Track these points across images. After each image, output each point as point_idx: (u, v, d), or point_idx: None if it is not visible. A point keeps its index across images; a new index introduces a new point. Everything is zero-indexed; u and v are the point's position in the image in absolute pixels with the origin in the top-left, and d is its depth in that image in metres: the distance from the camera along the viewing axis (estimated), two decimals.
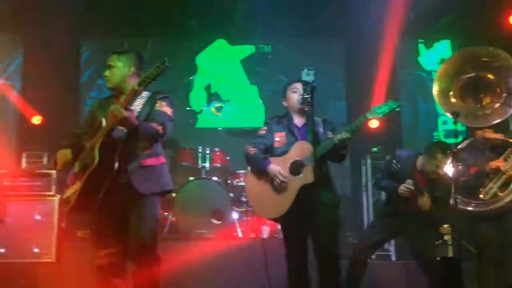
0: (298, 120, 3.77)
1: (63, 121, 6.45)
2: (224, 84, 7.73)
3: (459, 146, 4.34)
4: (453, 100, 4.59)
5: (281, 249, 3.69)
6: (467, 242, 4.51)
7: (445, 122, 7.47)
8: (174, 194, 5.46)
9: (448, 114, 4.41)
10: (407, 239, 4.40)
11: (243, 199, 5.67)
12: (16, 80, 7.27)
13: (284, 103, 3.84)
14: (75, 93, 7.30)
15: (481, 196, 4.20)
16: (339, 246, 3.62)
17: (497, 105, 4.44)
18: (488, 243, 4.20)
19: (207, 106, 7.45)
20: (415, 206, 4.14)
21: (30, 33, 7.08)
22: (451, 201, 3.88)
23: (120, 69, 3.34)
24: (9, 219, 4.96)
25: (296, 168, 3.55)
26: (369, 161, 6.06)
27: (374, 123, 5.98)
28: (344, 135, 3.45)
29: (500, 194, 4.16)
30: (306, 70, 3.48)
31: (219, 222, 5.52)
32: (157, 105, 3.30)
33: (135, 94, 3.13)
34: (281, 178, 3.54)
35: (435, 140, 7.09)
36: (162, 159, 3.39)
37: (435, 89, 4.60)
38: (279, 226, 4.24)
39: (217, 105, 7.47)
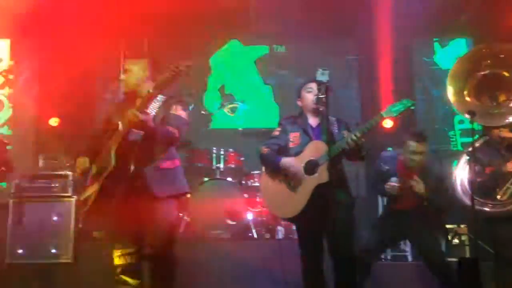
0: (313, 120, 3.75)
1: (79, 124, 6.50)
2: (238, 84, 7.74)
3: (476, 144, 4.28)
4: (467, 99, 4.55)
5: (296, 250, 3.69)
6: (484, 243, 4.46)
7: (461, 122, 7.39)
8: (189, 195, 5.47)
9: (465, 114, 4.34)
10: (410, 240, 4.35)
11: (258, 199, 5.68)
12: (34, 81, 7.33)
13: (299, 103, 3.83)
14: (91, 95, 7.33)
15: (498, 197, 4.15)
16: (355, 246, 3.61)
17: None
18: (505, 244, 4.15)
19: (221, 107, 7.45)
20: (411, 203, 4.12)
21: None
22: (449, 190, 3.81)
23: (136, 73, 3.37)
24: (27, 220, 5.04)
25: (310, 167, 3.53)
26: None
27: (387, 123, 5.93)
28: (358, 133, 3.42)
29: None
30: (320, 70, 3.44)
31: (234, 223, 5.53)
32: (172, 108, 3.32)
33: (150, 97, 3.16)
34: (294, 169, 3.53)
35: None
36: (177, 162, 3.43)
37: (449, 88, 4.56)
38: (294, 227, 4.25)
39: (231, 105, 7.47)
